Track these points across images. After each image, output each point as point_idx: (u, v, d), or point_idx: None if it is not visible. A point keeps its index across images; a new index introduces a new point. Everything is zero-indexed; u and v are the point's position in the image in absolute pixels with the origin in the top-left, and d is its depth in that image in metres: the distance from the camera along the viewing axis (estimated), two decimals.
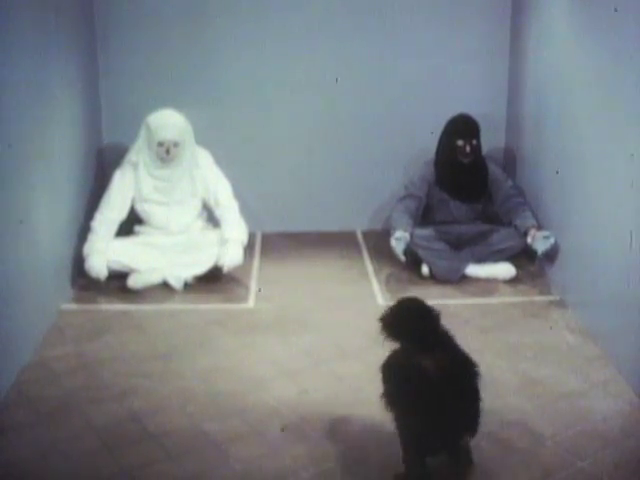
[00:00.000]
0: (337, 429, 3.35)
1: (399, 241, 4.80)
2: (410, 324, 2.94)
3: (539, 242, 4.71)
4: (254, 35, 5.59)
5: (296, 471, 3.07)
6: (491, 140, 5.54)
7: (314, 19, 5.61)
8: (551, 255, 4.73)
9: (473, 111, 5.18)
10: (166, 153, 4.89)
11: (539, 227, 4.85)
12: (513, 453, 3.17)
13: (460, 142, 5.03)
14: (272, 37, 5.61)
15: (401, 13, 5.61)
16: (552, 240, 4.67)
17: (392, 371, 2.93)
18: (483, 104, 5.60)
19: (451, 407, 2.81)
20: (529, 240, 4.81)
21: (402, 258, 4.87)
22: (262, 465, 3.12)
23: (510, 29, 5.64)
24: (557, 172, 4.67)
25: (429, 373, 2.80)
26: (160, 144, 4.87)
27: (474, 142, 5.06)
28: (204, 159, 5.07)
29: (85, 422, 3.41)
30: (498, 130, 5.73)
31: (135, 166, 4.96)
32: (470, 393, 2.90)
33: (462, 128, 5.08)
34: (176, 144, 4.90)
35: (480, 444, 3.22)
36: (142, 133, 4.95)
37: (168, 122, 4.90)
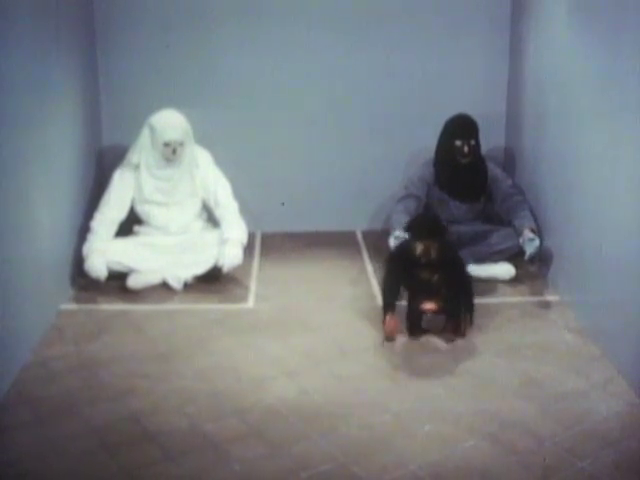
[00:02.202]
0: (337, 429, 3.34)
1: (398, 240, 4.77)
2: (415, 221, 4.30)
3: (526, 244, 4.71)
4: (254, 35, 5.58)
5: (296, 471, 3.07)
6: (491, 140, 5.53)
7: (315, 20, 5.60)
8: (538, 257, 4.73)
9: (473, 111, 5.17)
10: (172, 153, 4.88)
11: (535, 228, 4.82)
12: (513, 453, 3.17)
13: (458, 142, 5.02)
14: (272, 37, 5.60)
15: (401, 14, 5.61)
16: (537, 242, 4.66)
17: (396, 248, 4.45)
18: (483, 104, 5.60)
19: (425, 280, 4.05)
20: (520, 242, 4.80)
21: None
22: (261, 465, 3.12)
23: (510, 29, 5.64)
24: (554, 169, 4.69)
25: (414, 250, 4.05)
26: (166, 144, 4.86)
27: (472, 142, 5.05)
28: (204, 159, 5.06)
29: (84, 422, 3.41)
30: (498, 130, 5.72)
31: (136, 167, 4.94)
32: (453, 275, 4.11)
33: (460, 128, 5.06)
34: (181, 144, 4.89)
35: (480, 444, 3.22)
36: (145, 134, 4.92)
37: (173, 122, 4.90)
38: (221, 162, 5.13)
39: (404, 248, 4.24)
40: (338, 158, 5.84)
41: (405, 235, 4.80)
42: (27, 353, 3.96)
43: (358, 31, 5.63)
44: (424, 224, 4.21)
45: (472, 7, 5.63)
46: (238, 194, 5.11)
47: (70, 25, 4.87)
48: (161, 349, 4.09)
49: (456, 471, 3.07)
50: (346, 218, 5.92)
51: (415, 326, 4.17)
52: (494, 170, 5.22)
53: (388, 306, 4.15)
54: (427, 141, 5.30)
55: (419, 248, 4.05)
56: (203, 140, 5.13)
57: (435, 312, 4.12)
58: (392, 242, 4.75)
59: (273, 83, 5.68)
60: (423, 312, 4.13)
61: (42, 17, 4.30)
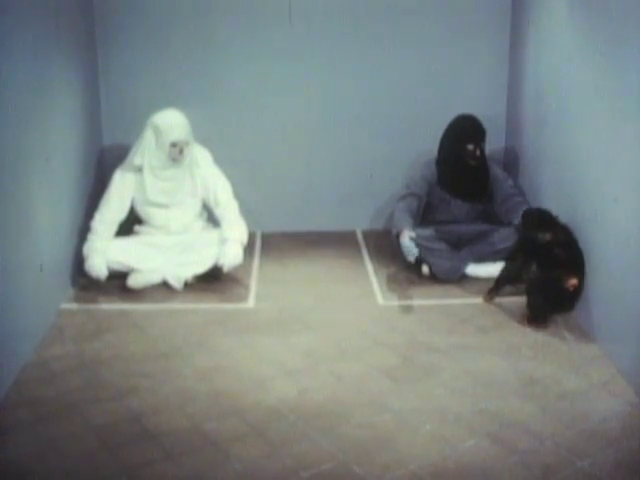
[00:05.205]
0: (337, 429, 3.35)
1: (413, 241, 4.75)
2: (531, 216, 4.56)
3: None
4: (255, 34, 5.59)
5: (296, 471, 3.07)
6: (491, 140, 5.51)
7: (315, 19, 5.61)
8: None
9: (473, 111, 5.18)
10: (179, 153, 4.87)
11: None
12: (513, 453, 3.17)
13: (470, 146, 5.03)
14: (274, 37, 5.61)
15: (402, 14, 5.62)
16: None
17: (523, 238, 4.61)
18: (483, 104, 5.60)
19: (558, 257, 4.27)
20: None
21: (412, 258, 4.79)
22: (262, 465, 3.12)
23: (510, 30, 5.64)
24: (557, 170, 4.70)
25: (542, 239, 4.35)
26: (173, 144, 4.85)
27: (482, 145, 5.08)
28: (204, 158, 5.06)
29: (85, 422, 3.41)
30: (498, 130, 5.72)
31: (139, 169, 4.92)
32: (573, 254, 4.28)
33: (472, 133, 5.07)
34: (187, 143, 4.89)
35: (481, 444, 3.23)
36: (148, 135, 4.89)
37: (178, 122, 4.88)
38: (221, 162, 5.13)
39: (528, 241, 4.50)
40: (338, 158, 5.84)
41: (414, 235, 4.78)
42: (28, 353, 3.96)
43: (359, 32, 5.63)
44: (541, 216, 4.53)
45: (472, 9, 5.63)
46: (238, 194, 5.11)
47: (70, 25, 4.87)
48: (161, 349, 4.09)
49: (456, 470, 3.08)
50: (346, 218, 5.93)
51: (550, 311, 4.32)
52: (495, 170, 5.24)
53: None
54: (427, 141, 5.32)
55: (548, 235, 4.35)
56: (203, 140, 5.13)
57: (576, 287, 4.23)
58: (407, 242, 4.72)
59: (274, 83, 5.68)
60: (567, 288, 4.22)
61: (42, 17, 4.30)
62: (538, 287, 4.37)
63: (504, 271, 4.65)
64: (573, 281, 4.22)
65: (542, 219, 4.48)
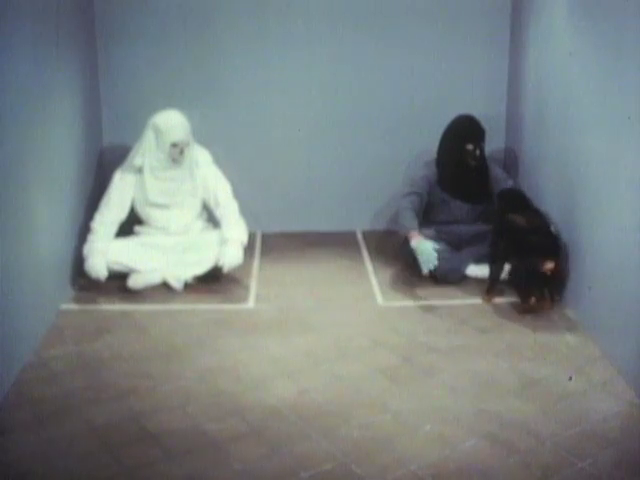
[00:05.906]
0: (337, 429, 3.35)
1: (435, 250, 4.67)
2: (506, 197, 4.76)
3: None
4: (255, 35, 5.59)
5: (296, 471, 3.07)
6: (492, 141, 5.53)
7: (315, 20, 5.61)
8: None
9: (473, 112, 5.18)
10: (180, 154, 4.87)
11: None
12: (513, 453, 3.17)
13: (470, 146, 5.03)
14: (273, 37, 5.61)
15: (401, 14, 5.62)
16: None
17: (499, 223, 4.67)
18: (483, 105, 5.61)
19: (533, 243, 4.32)
20: None
21: (427, 270, 4.67)
22: (262, 465, 3.12)
23: (510, 30, 5.65)
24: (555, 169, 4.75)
25: (519, 223, 4.42)
26: (174, 145, 4.85)
27: (482, 145, 5.08)
28: (203, 158, 5.06)
29: (85, 422, 3.41)
30: (498, 131, 5.73)
31: (139, 170, 4.92)
32: (548, 239, 4.38)
33: (472, 132, 5.06)
34: (187, 144, 4.89)
35: (481, 444, 3.23)
36: (148, 135, 4.89)
37: (178, 123, 4.88)
38: (221, 162, 5.13)
39: (504, 222, 4.56)
40: (338, 158, 5.84)
41: (436, 245, 4.75)
42: (28, 353, 3.96)
43: (358, 33, 5.63)
44: (515, 197, 4.70)
45: (472, 9, 5.64)
46: (238, 194, 5.11)
47: (71, 26, 4.87)
48: (161, 349, 4.09)
49: (456, 471, 3.08)
50: (346, 218, 5.93)
51: (530, 295, 4.37)
52: (495, 170, 5.24)
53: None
54: (427, 141, 5.32)
55: (521, 220, 4.44)
56: (203, 140, 5.13)
57: (553, 272, 4.30)
58: (428, 250, 4.67)
59: (274, 83, 5.69)
60: (544, 273, 4.29)
61: (42, 18, 4.30)
62: (516, 273, 4.49)
63: (493, 267, 4.68)
64: (549, 265, 4.27)
65: (515, 200, 4.57)
